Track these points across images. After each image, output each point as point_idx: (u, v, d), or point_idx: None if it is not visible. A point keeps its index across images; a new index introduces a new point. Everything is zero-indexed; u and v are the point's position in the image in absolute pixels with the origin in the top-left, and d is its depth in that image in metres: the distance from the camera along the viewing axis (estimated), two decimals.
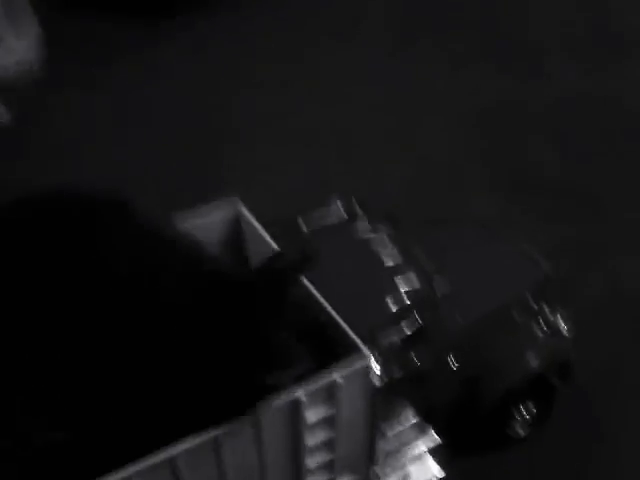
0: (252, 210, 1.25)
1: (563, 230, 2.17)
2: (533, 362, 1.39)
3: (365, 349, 0.97)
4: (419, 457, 1.37)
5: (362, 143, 2.67)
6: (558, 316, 1.48)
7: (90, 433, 0.95)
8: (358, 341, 0.98)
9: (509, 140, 2.68)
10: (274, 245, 1.16)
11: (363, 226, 1.27)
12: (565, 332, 1.47)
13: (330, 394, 0.94)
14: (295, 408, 0.90)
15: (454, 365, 1.32)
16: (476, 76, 2.96)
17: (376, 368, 1.05)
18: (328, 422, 0.97)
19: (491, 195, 2.37)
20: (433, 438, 1.38)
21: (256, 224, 1.20)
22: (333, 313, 1.02)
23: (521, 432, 1.48)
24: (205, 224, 1.23)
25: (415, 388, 1.28)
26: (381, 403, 1.11)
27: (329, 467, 1.04)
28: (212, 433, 0.84)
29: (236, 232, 1.28)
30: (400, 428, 1.34)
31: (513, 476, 1.45)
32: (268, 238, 1.17)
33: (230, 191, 1.30)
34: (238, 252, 1.29)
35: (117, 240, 1.03)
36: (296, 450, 0.97)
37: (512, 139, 2.68)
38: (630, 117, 2.77)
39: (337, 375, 0.92)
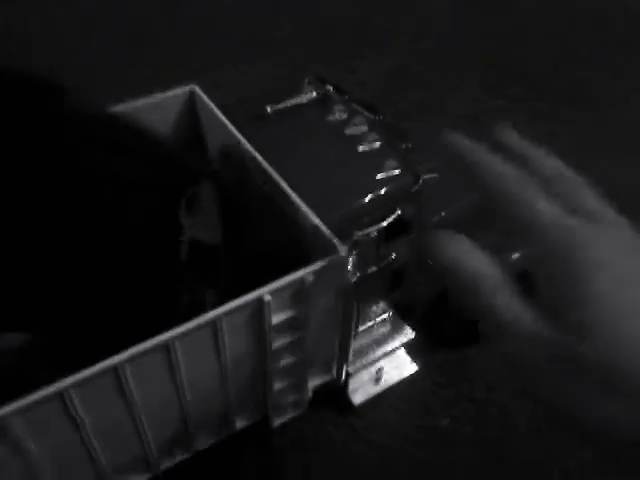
0: (212, 98, 1.10)
1: (550, 127, 2.04)
2: (513, 255, 1.30)
3: (337, 243, 0.86)
4: (392, 353, 1.32)
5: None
6: None
7: (42, 334, 0.85)
8: (329, 234, 0.86)
9: (494, 34, 2.50)
10: (235, 132, 1.01)
11: (338, 109, 1.12)
12: None
13: (299, 293, 0.84)
14: (259, 309, 0.81)
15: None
16: None
17: (349, 263, 0.95)
18: (296, 323, 0.88)
19: (475, 90, 2.22)
20: (406, 333, 1.32)
21: (216, 110, 1.05)
22: (301, 204, 0.90)
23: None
24: (159, 112, 1.08)
25: (390, 283, 1.19)
26: (354, 300, 1.02)
27: (298, 370, 0.96)
28: (162, 337, 0.74)
29: (194, 122, 1.13)
30: (372, 324, 1.27)
31: (487, 370, 1.40)
32: (229, 124, 1.02)
33: (188, 79, 1.15)
34: (196, 142, 1.15)
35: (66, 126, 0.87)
36: (260, 354, 0.88)
37: (498, 33, 2.51)
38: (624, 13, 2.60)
39: (306, 272, 0.82)
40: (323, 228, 0.87)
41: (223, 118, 1.02)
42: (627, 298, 0.40)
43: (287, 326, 0.86)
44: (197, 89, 1.09)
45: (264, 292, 0.79)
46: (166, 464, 0.93)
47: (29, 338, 0.85)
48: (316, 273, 0.83)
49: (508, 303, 0.44)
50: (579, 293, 0.40)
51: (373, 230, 1.03)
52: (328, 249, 0.85)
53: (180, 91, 1.09)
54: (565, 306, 0.41)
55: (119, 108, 1.05)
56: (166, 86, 1.13)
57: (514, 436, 1.31)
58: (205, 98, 1.07)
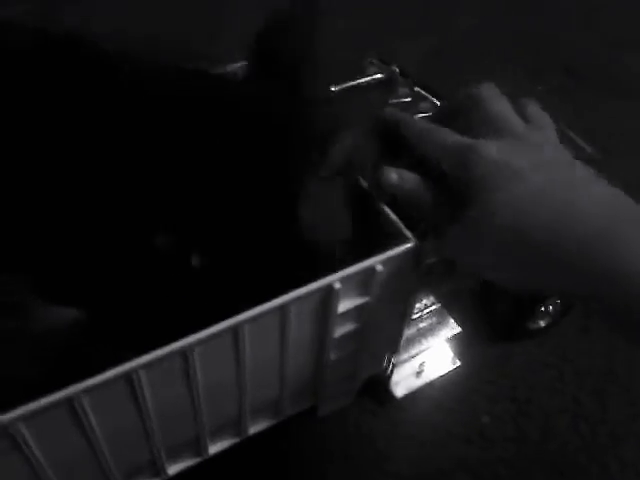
0: None
1: (593, 115, 1.99)
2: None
3: (407, 232, 0.83)
4: (436, 346, 1.29)
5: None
6: None
7: (107, 314, 0.80)
8: (399, 223, 0.83)
9: (535, 17, 2.44)
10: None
11: (403, 92, 1.08)
12: None
13: (367, 281, 0.81)
14: (327, 296, 0.78)
15: None
16: None
17: (416, 253, 0.92)
18: (361, 312, 0.85)
19: (516, 73, 2.16)
20: (451, 327, 1.29)
21: None
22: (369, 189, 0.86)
23: (541, 324, 1.39)
24: None
25: (444, 275, 1.16)
26: (418, 290, 0.99)
27: (355, 360, 0.94)
28: (231, 321, 0.71)
29: None
30: (419, 315, 1.24)
31: (529, 369, 1.37)
32: None
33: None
34: None
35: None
36: (321, 341, 0.86)
37: (538, 15, 2.44)
38: None
39: (377, 260, 0.79)
40: (393, 216, 0.84)
41: None
42: (502, 180, 0.60)
43: (351, 315, 0.84)
44: None
45: (334, 279, 0.76)
46: (215, 448, 0.91)
47: (82, 315, 0.82)
48: (386, 262, 0.79)
49: (429, 196, 0.74)
50: (466, 179, 0.63)
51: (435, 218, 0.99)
52: (397, 238, 0.82)
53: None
54: (461, 187, 0.65)
55: None
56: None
57: (555, 436, 1.28)
58: None
